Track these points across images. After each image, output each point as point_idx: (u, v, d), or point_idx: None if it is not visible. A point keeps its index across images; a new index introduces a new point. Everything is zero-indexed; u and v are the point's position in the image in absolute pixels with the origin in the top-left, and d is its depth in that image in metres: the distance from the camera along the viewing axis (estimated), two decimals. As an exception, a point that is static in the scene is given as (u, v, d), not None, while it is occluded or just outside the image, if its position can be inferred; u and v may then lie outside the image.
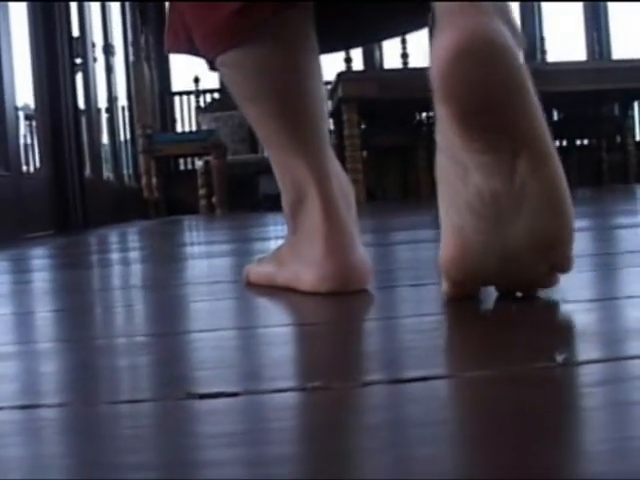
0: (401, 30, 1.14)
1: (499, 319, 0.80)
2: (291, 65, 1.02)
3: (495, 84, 0.76)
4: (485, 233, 0.80)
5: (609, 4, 7.78)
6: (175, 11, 1.10)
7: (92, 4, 5.41)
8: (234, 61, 1.02)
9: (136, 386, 0.61)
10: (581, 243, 1.65)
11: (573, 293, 0.92)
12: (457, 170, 0.80)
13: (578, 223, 2.36)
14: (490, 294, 0.90)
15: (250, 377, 0.61)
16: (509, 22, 0.79)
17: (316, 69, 1.04)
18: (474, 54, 0.75)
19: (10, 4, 3.96)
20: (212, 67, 1.07)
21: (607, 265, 1.20)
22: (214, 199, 6.18)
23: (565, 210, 0.81)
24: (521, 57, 0.79)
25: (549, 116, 7.02)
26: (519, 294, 0.87)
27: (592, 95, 6.01)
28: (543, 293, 0.88)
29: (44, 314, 1.08)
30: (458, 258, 0.81)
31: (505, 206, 0.79)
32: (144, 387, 0.61)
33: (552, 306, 0.85)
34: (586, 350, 0.62)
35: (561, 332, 0.72)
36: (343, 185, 1.06)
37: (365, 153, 5.90)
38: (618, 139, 6.95)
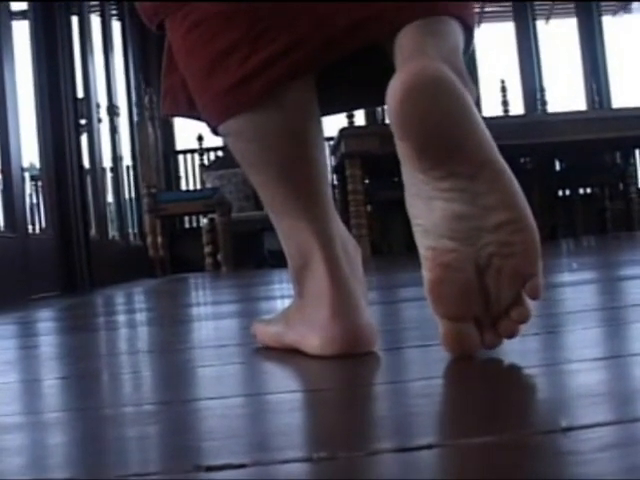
0: None
1: (503, 381, 0.81)
2: (292, 132, 1.03)
3: (443, 115, 0.85)
4: (456, 251, 0.87)
5: (607, 54, 7.84)
6: (175, 73, 1.11)
7: (96, 65, 5.47)
8: (235, 129, 1.04)
9: (144, 458, 0.61)
10: (586, 296, 1.65)
11: (577, 352, 0.92)
12: (423, 203, 0.89)
13: (583, 275, 2.34)
14: (492, 353, 0.90)
15: (257, 447, 0.61)
16: (458, 71, 0.90)
17: (317, 134, 1.06)
18: (421, 90, 0.84)
19: (17, 66, 4.01)
20: (215, 132, 1.09)
21: (612, 320, 1.20)
22: (219, 256, 6.19)
23: (526, 219, 0.87)
24: (468, 94, 0.86)
25: (551, 166, 7.04)
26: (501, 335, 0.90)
27: (594, 144, 6.03)
28: (548, 353, 0.88)
29: (50, 382, 1.08)
30: (435, 280, 0.88)
31: (470, 224, 0.87)
32: (152, 459, 0.61)
33: (556, 366, 0.85)
34: (591, 413, 0.62)
35: (565, 394, 0.72)
36: (348, 247, 1.06)
37: (369, 208, 5.91)
38: (621, 187, 6.96)
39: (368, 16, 0.98)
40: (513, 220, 0.87)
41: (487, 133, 0.88)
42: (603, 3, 7.99)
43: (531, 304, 0.89)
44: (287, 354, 1.05)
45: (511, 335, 0.90)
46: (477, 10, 8.03)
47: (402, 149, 0.88)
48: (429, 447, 0.55)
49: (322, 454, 0.54)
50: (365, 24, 0.99)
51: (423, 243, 0.90)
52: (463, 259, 0.87)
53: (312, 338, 1.00)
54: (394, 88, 0.85)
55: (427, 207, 0.88)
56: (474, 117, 0.86)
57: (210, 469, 0.54)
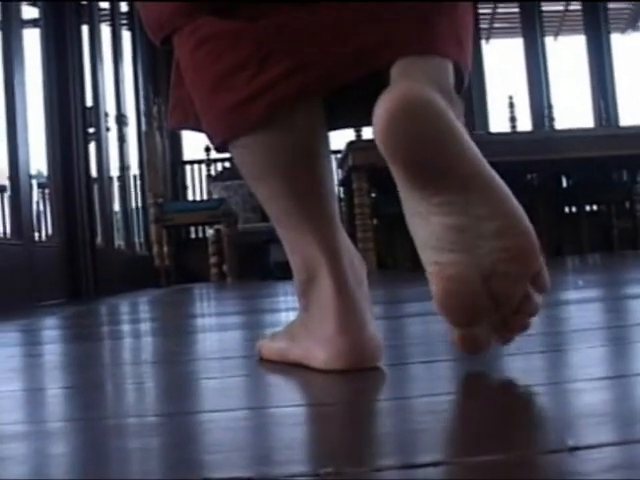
0: None
1: (509, 399, 0.80)
2: (300, 146, 1.03)
3: (427, 137, 0.88)
4: (460, 263, 0.90)
5: (616, 72, 7.85)
6: (183, 87, 1.11)
7: (105, 75, 5.49)
8: (243, 143, 1.04)
9: (147, 470, 0.61)
10: (592, 315, 1.64)
11: (583, 371, 0.92)
12: (421, 219, 0.92)
13: (589, 293, 2.34)
14: (498, 371, 0.89)
15: (262, 461, 0.60)
16: (444, 90, 0.93)
17: (324, 147, 1.06)
18: (405, 113, 0.87)
19: (27, 75, 4.02)
20: (217, 149, 1.09)
21: (618, 339, 1.19)
22: (225, 267, 6.19)
23: (521, 222, 0.90)
24: (451, 113, 0.89)
25: (558, 183, 7.04)
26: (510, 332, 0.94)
27: (601, 161, 6.04)
28: (553, 372, 0.87)
29: (54, 391, 1.08)
30: (443, 293, 0.90)
31: (469, 235, 0.89)
32: (155, 471, 0.61)
33: (562, 385, 0.85)
34: (597, 433, 0.62)
35: (571, 413, 0.72)
36: (354, 261, 1.06)
37: (375, 221, 5.91)
38: (627, 205, 6.96)
39: (371, 45, 1.00)
40: (507, 226, 0.90)
41: (473, 147, 0.91)
42: (612, 20, 8.00)
43: (539, 297, 0.93)
44: (291, 367, 1.05)
45: (524, 329, 0.94)
46: (486, 26, 8.05)
47: (393, 171, 0.91)
48: (435, 464, 0.55)
49: (328, 469, 0.54)
50: (368, 53, 1.00)
51: (426, 258, 0.92)
52: (467, 270, 0.90)
53: (318, 352, 1.00)
54: (378, 114, 0.88)
55: (425, 222, 0.91)
56: (459, 135, 0.89)
57: (215, 483, 0.54)
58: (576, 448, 0.56)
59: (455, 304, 0.90)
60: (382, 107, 0.88)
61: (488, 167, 0.91)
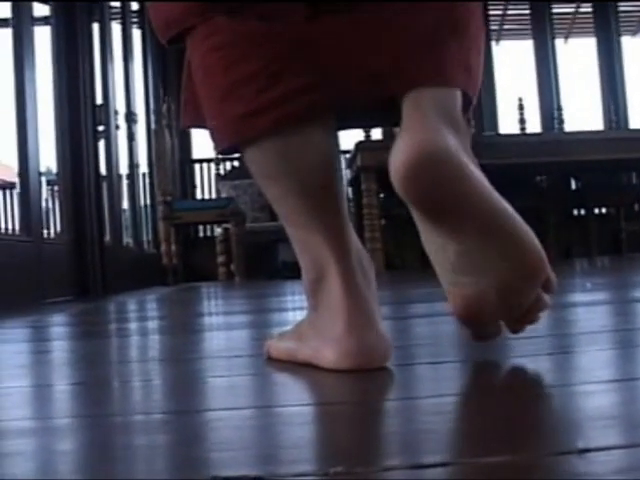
0: None
1: (518, 401, 0.80)
2: (311, 145, 1.03)
3: (442, 188, 0.93)
4: (475, 284, 0.96)
5: (626, 75, 7.83)
6: (194, 89, 1.11)
7: (116, 73, 5.49)
8: (254, 141, 1.04)
9: (153, 468, 0.61)
10: (600, 317, 1.64)
11: (592, 374, 0.92)
12: (437, 246, 0.98)
13: (597, 295, 2.34)
14: (506, 372, 0.89)
15: (270, 460, 0.60)
16: (454, 120, 0.98)
17: (334, 148, 1.06)
18: (422, 167, 0.92)
19: (37, 72, 4.03)
20: (221, 152, 1.09)
21: (626, 342, 1.19)
22: (233, 266, 6.19)
23: (530, 245, 0.97)
24: (465, 157, 0.95)
25: (567, 185, 7.02)
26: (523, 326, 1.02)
27: (610, 164, 6.02)
28: (562, 374, 0.87)
29: (62, 387, 1.08)
30: (460, 309, 0.98)
31: (482, 260, 0.96)
32: (161, 469, 0.61)
33: (570, 387, 0.84)
34: (606, 435, 0.62)
35: (579, 415, 0.71)
36: (363, 261, 1.06)
37: (383, 222, 5.91)
38: (636, 208, 6.94)
39: (380, 72, 1.01)
40: (517, 251, 0.97)
41: (485, 184, 0.96)
42: (622, 23, 7.98)
43: (547, 296, 1.02)
44: (300, 366, 1.04)
45: (533, 322, 1.03)
46: (496, 27, 8.03)
47: (411, 210, 0.97)
48: (443, 465, 0.54)
49: (338, 469, 0.54)
50: (377, 79, 1.02)
51: (443, 278, 0.99)
52: (482, 290, 0.96)
53: (327, 352, 1.00)
54: (395, 163, 0.93)
55: (441, 250, 0.98)
56: (473, 180, 0.95)
57: (226, 480, 0.53)
58: (585, 450, 0.55)
59: (472, 317, 0.98)
60: (399, 157, 0.92)
61: (498, 199, 0.96)
